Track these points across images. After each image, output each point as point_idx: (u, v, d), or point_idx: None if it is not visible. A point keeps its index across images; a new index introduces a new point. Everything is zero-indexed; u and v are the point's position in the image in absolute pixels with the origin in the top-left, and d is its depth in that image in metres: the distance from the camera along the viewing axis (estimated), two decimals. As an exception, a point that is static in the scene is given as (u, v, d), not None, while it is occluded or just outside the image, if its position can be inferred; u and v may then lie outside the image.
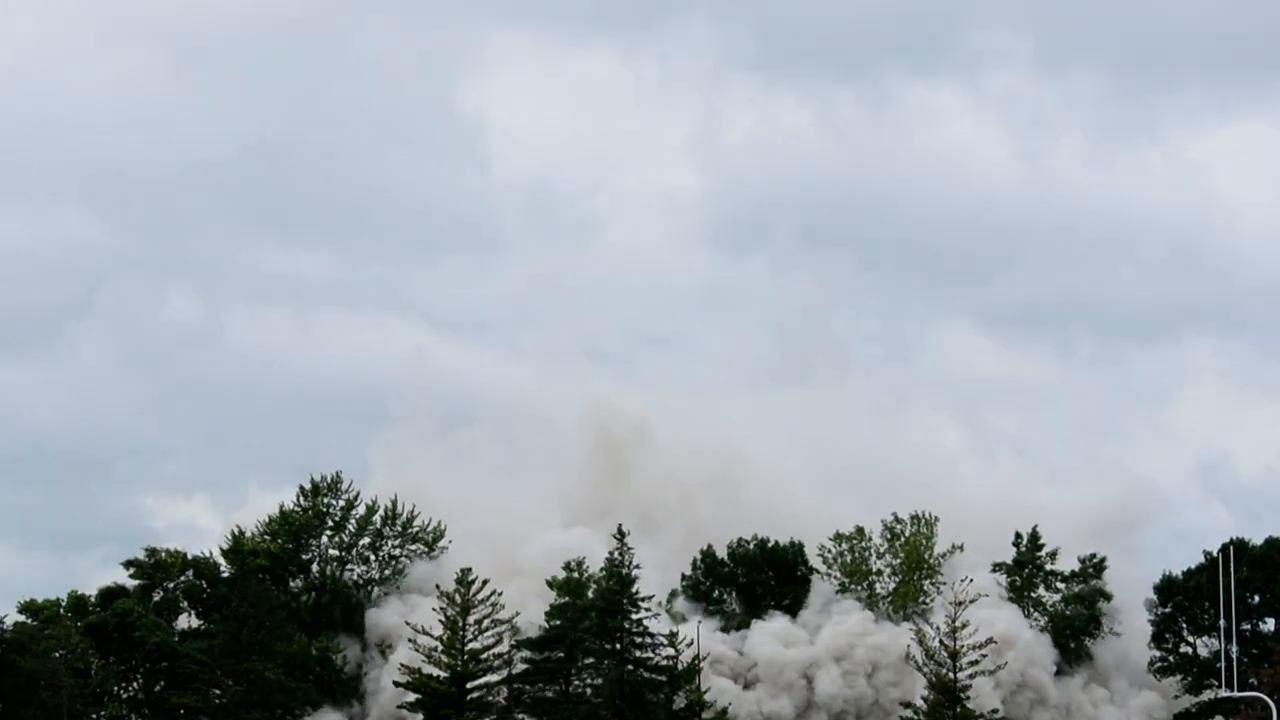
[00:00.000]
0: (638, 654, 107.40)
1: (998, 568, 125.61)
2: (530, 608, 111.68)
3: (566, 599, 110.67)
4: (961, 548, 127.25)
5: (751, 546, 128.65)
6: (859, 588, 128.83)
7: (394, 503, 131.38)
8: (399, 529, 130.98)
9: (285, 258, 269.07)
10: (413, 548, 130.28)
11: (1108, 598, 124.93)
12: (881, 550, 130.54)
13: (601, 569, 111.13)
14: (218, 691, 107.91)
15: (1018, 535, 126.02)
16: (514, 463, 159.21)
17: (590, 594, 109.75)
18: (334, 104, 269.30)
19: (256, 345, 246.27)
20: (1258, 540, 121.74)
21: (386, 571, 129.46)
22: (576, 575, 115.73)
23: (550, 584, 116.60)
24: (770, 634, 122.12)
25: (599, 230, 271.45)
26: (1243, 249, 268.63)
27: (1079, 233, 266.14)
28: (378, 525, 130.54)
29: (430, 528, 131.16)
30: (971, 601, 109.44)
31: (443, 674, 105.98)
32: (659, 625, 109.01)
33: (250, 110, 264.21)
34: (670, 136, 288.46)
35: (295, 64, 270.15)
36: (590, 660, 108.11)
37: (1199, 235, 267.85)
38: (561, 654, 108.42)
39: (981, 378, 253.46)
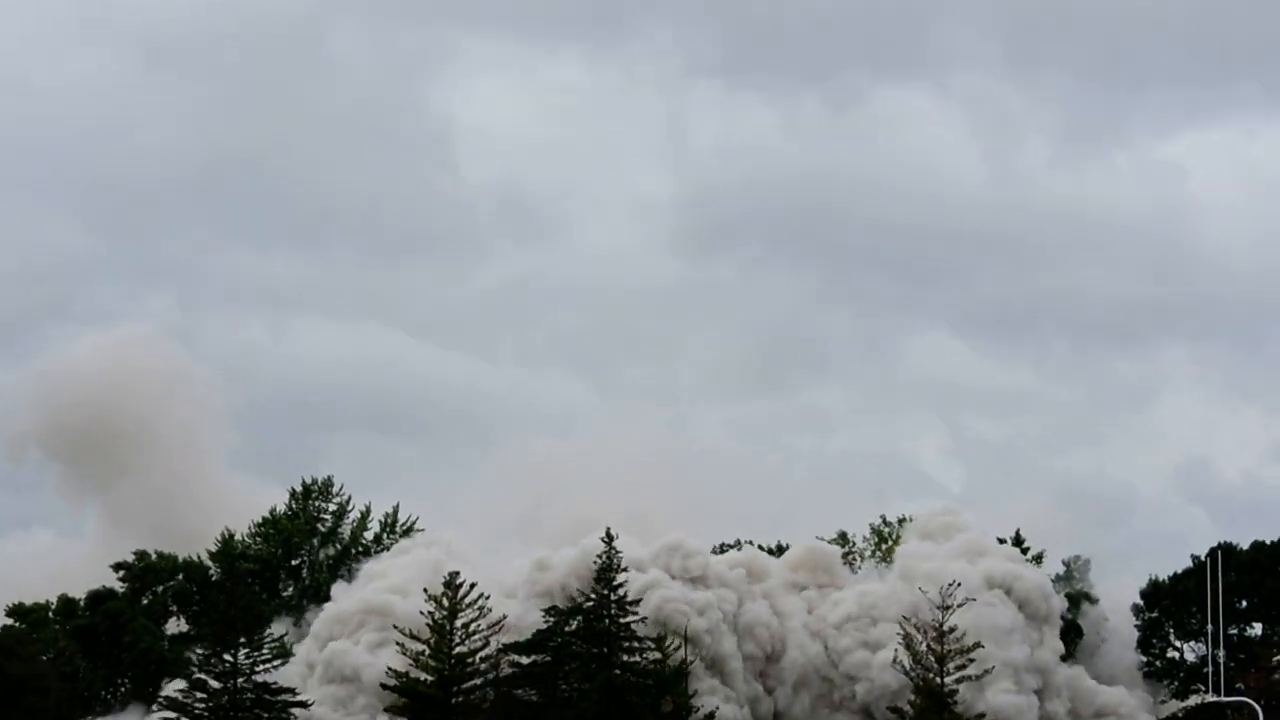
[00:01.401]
0: (624, 658, 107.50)
1: None
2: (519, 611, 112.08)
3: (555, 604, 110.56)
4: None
5: (735, 551, 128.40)
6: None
7: (394, 510, 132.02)
8: (397, 538, 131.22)
9: (259, 262, 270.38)
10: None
11: (1093, 600, 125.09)
12: (867, 554, 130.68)
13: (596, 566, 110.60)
14: (203, 695, 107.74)
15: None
16: (491, 466, 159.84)
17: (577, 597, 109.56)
18: (305, 108, 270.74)
19: (234, 349, 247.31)
20: (1244, 544, 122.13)
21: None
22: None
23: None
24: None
25: (570, 234, 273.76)
26: (1215, 252, 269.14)
27: (1049, 235, 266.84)
28: (376, 531, 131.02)
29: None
30: (959, 606, 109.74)
31: (429, 677, 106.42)
32: (646, 629, 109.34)
33: (222, 114, 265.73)
34: (638, 141, 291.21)
35: (267, 68, 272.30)
36: (576, 664, 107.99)
37: (1170, 238, 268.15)
38: (548, 658, 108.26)
39: (958, 382, 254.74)
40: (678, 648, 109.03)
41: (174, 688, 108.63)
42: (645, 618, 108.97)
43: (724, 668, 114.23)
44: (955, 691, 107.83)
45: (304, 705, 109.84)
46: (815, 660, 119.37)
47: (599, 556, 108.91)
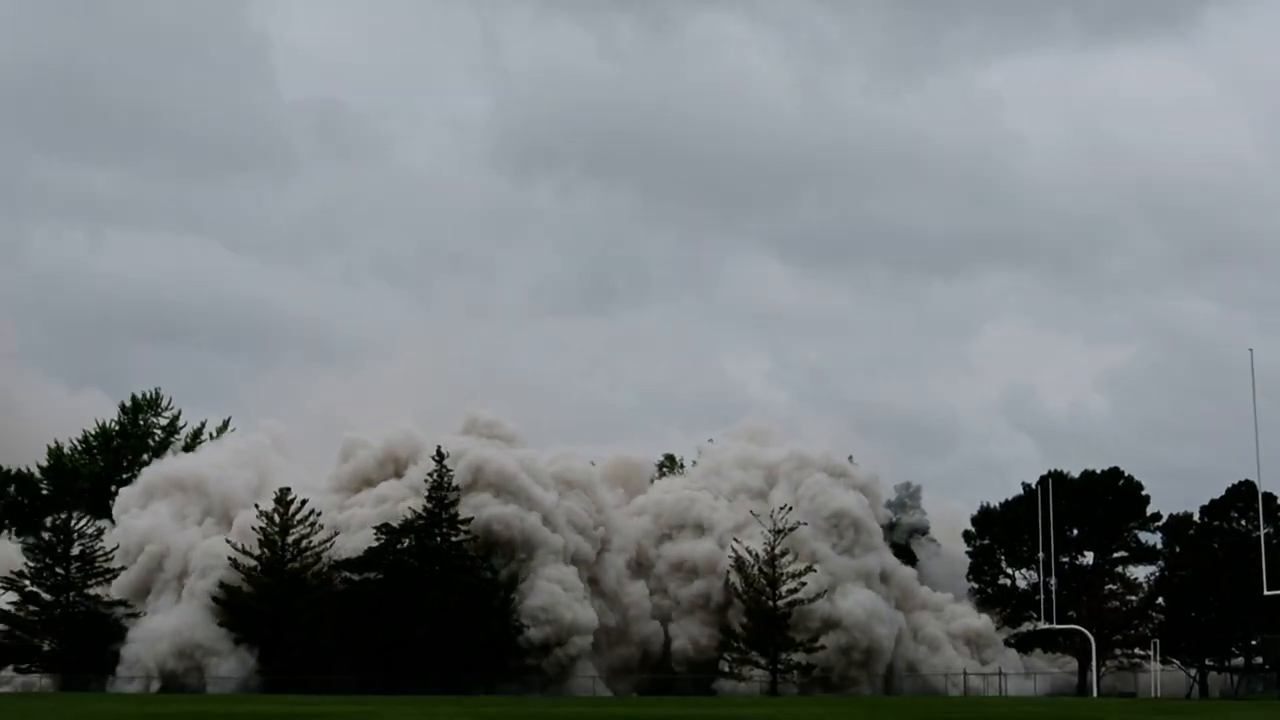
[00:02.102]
0: (456, 576, 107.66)
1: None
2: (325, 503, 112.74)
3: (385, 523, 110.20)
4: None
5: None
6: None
7: (225, 423, 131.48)
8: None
9: (78, 175, 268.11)
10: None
11: (923, 530, 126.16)
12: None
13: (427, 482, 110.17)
14: (34, 608, 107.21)
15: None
16: (315, 381, 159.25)
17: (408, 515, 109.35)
18: (123, 24, 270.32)
19: (53, 262, 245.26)
20: (1074, 473, 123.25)
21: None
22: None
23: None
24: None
25: (389, 153, 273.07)
26: (1032, 182, 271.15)
27: (867, 162, 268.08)
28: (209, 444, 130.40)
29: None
30: (790, 530, 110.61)
31: (259, 591, 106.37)
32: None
33: (40, 28, 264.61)
34: (456, 61, 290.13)
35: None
36: (410, 581, 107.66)
37: (987, 167, 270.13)
38: (380, 575, 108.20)
39: (779, 306, 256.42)
40: (507, 561, 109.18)
41: (5, 600, 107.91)
42: (477, 536, 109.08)
43: (557, 543, 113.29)
44: (788, 615, 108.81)
45: (135, 615, 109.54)
46: (637, 544, 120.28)
47: (430, 475, 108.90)
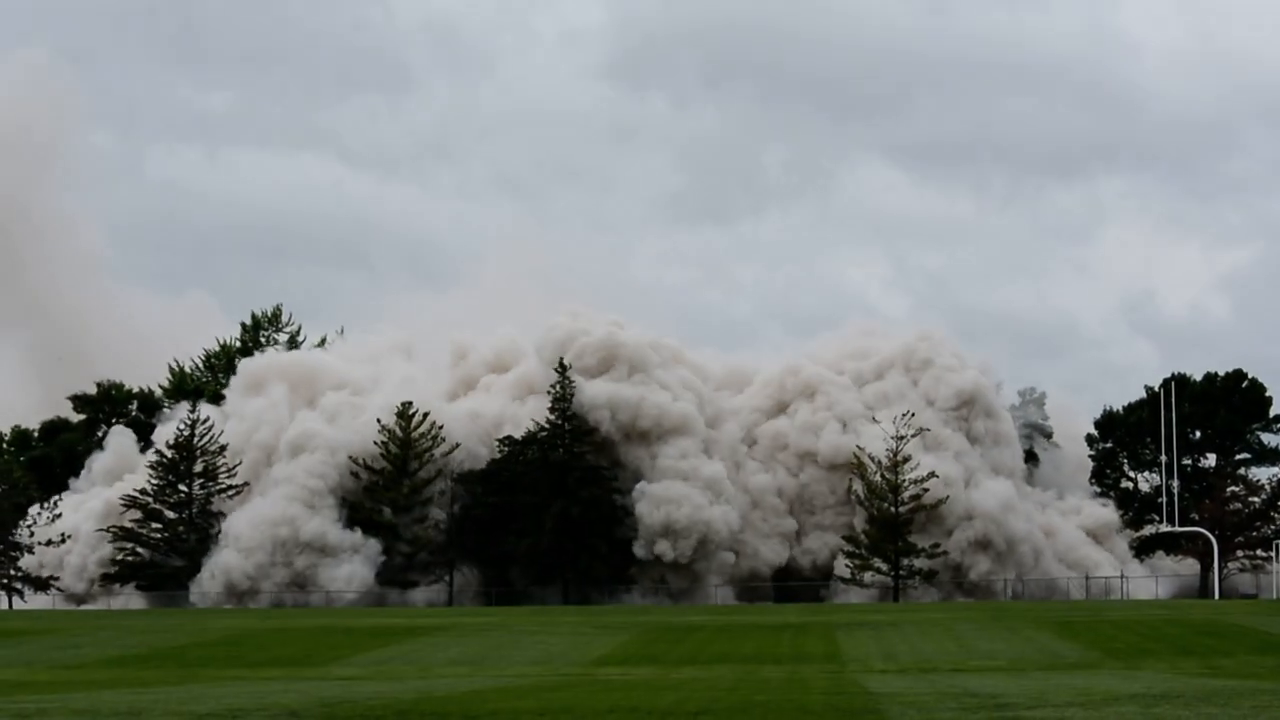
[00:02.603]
0: (579, 489, 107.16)
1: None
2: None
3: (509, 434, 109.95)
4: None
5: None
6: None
7: (340, 333, 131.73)
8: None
9: (196, 94, 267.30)
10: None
11: (1047, 434, 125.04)
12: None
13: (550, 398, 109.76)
14: (158, 525, 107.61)
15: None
16: (435, 294, 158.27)
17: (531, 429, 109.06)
18: None
19: (173, 180, 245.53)
20: (1196, 376, 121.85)
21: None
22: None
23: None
24: None
25: (503, 65, 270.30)
26: (1150, 83, 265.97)
27: (982, 66, 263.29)
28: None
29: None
30: (913, 436, 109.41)
31: (384, 507, 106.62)
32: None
33: None
34: None
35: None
36: (532, 497, 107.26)
37: (1105, 69, 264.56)
38: (500, 486, 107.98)
39: (897, 212, 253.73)
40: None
41: (129, 518, 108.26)
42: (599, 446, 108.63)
43: (695, 425, 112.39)
44: (910, 520, 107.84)
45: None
46: (746, 429, 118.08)
47: (553, 386, 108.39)
